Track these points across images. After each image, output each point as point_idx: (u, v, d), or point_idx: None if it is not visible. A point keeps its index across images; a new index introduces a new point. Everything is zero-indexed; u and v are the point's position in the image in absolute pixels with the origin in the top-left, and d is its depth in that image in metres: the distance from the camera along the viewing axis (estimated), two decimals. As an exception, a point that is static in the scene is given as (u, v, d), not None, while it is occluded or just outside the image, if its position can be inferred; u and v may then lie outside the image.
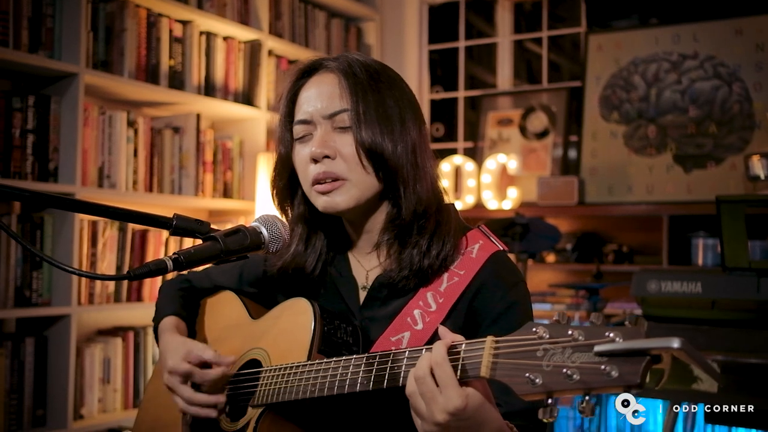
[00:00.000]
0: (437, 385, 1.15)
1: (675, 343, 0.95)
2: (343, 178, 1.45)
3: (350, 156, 1.44)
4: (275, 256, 1.51)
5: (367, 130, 1.43)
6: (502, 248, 1.51)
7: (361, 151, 1.43)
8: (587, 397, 1.03)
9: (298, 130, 1.50)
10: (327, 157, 1.45)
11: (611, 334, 1.01)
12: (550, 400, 1.06)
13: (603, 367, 1.00)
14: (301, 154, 1.49)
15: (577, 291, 4.03)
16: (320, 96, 1.48)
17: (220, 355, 1.51)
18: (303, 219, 1.57)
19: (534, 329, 1.08)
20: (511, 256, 3.75)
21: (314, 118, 1.47)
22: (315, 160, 1.45)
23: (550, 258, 4.52)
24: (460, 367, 1.15)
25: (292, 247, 1.57)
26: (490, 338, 1.13)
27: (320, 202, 1.48)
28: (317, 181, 1.46)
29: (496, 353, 1.11)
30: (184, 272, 1.80)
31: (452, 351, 1.17)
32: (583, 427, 3.68)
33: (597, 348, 1.01)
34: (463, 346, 1.16)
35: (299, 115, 1.50)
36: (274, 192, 1.59)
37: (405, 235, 1.48)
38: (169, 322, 1.66)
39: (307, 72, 1.53)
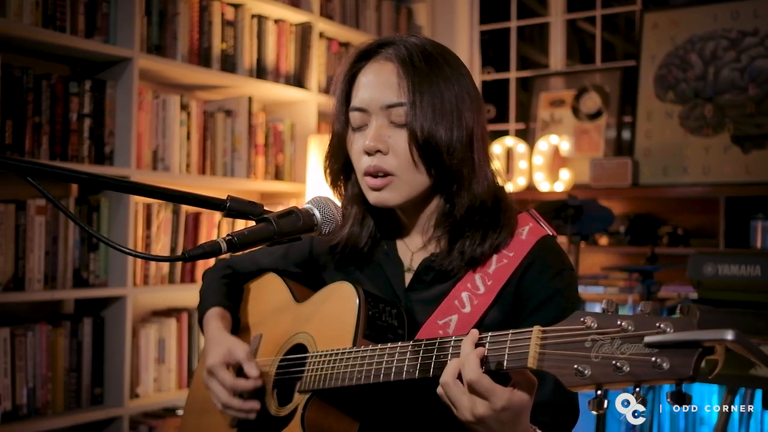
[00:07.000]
0: (466, 389, 1.15)
1: (729, 335, 0.91)
2: (391, 174, 1.44)
3: (402, 153, 1.43)
4: (329, 235, 1.50)
5: (422, 127, 1.41)
6: (551, 233, 1.49)
7: (415, 149, 1.42)
8: (638, 389, 1.00)
9: (355, 117, 1.48)
10: (379, 151, 1.44)
11: (662, 325, 0.98)
12: (599, 392, 1.03)
13: (654, 359, 0.97)
14: (357, 144, 1.48)
15: (630, 274, 3.97)
16: (378, 85, 1.45)
17: (253, 364, 1.52)
18: (358, 200, 1.56)
19: (582, 319, 1.05)
20: (564, 239, 3.76)
21: (371, 107, 1.45)
22: (368, 153, 1.45)
23: (603, 240, 4.46)
24: (506, 357, 1.13)
25: (347, 227, 1.57)
26: (537, 328, 1.11)
27: (371, 197, 1.48)
28: (368, 174, 1.46)
29: (544, 343, 1.08)
30: (226, 256, 1.83)
31: (498, 340, 1.15)
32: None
33: (647, 339, 0.98)
34: (510, 335, 1.14)
35: (356, 102, 1.48)
36: (328, 171, 1.58)
37: (458, 230, 1.46)
38: (214, 313, 1.68)
39: (365, 54, 1.50)
